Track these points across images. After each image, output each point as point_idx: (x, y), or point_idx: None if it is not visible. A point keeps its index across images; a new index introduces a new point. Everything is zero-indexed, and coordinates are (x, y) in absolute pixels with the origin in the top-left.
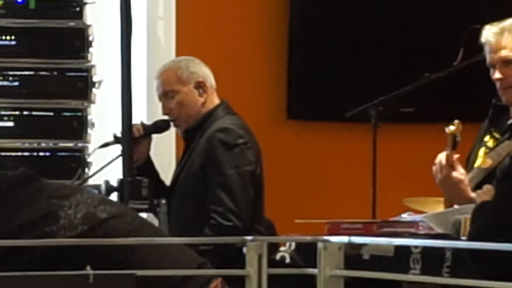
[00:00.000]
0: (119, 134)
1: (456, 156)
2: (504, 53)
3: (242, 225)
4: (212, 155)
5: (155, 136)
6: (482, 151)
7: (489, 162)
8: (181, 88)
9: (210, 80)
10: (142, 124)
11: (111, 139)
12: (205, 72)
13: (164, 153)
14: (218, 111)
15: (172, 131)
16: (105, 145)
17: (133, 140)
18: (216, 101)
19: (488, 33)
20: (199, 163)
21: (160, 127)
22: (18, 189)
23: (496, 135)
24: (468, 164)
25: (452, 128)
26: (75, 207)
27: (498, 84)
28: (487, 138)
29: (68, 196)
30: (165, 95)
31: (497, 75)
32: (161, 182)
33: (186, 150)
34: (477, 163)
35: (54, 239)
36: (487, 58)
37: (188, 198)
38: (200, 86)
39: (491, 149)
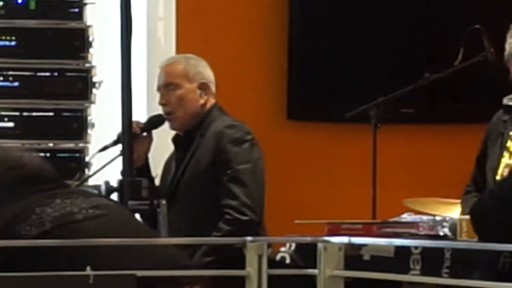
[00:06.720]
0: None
1: None
2: None
3: (257, 219)
4: (223, 151)
5: (154, 136)
6: (507, 157)
7: None
8: (185, 84)
9: (213, 85)
10: (140, 123)
11: (111, 141)
12: (210, 76)
13: (164, 153)
14: (213, 112)
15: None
16: (105, 148)
17: (134, 137)
18: (212, 101)
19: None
20: (208, 160)
21: (155, 123)
22: (18, 189)
23: None
24: (478, 165)
25: None
26: (56, 205)
27: None
28: (509, 143)
29: (62, 196)
30: (167, 86)
31: None
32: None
33: (182, 151)
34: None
35: (23, 239)
36: None
37: (198, 197)
38: (204, 88)
39: None
